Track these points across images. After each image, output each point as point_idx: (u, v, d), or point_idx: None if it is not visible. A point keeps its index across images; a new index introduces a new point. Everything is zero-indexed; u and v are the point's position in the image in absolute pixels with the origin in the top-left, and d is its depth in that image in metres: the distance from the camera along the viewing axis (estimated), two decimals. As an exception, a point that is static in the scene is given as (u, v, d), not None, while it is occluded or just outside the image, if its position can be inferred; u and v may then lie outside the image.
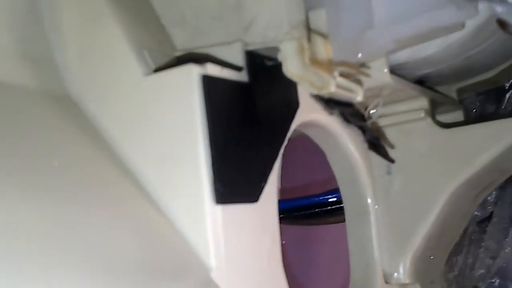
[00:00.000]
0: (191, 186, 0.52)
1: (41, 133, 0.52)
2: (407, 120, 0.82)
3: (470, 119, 0.93)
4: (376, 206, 0.82)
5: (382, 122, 0.83)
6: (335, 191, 0.96)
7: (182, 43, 0.63)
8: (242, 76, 0.58)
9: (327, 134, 0.75)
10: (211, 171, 0.52)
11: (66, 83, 0.59)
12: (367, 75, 0.63)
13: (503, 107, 0.93)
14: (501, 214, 0.91)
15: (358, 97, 0.60)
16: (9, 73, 0.55)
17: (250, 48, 0.59)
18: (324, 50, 0.58)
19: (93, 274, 0.44)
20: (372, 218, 0.82)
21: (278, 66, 0.60)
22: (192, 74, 0.53)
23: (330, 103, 0.64)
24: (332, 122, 0.73)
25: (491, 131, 0.78)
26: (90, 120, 0.58)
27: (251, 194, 0.56)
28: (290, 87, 0.63)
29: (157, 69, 0.57)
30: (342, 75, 0.58)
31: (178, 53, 0.62)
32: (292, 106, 0.64)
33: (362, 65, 0.62)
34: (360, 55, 0.54)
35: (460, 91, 0.94)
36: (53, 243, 0.43)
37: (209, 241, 0.51)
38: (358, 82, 0.60)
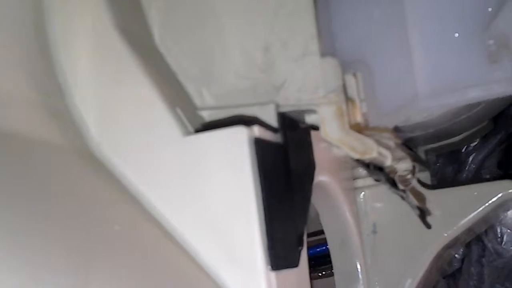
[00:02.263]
0: (245, 252, 0.50)
1: (86, 194, 0.48)
2: (395, 180, 0.84)
3: (438, 182, 0.97)
4: (365, 267, 0.83)
5: (367, 182, 0.85)
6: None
7: (206, 102, 0.61)
8: (277, 138, 0.57)
9: (326, 194, 0.75)
10: (265, 236, 0.50)
11: (88, 140, 0.55)
12: (398, 139, 0.64)
13: (467, 168, 0.98)
14: (469, 271, 0.95)
15: (388, 161, 0.61)
16: (31, 126, 0.51)
17: (282, 109, 0.58)
18: (353, 114, 0.59)
19: None
20: (361, 277, 0.82)
21: (307, 128, 0.60)
22: (243, 136, 0.51)
23: (370, 167, 0.65)
24: (332, 184, 0.74)
25: (473, 193, 0.82)
26: (120, 180, 0.54)
27: (293, 258, 0.55)
28: (310, 149, 0.63)
29: (197, 130, 0.55)
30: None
31: (203, 112, 0.60)
32: (312, 168, 0.64)
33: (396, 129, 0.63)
34: (402, 122, 0.55)
35: (426, 152, 0.99)
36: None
37: (266, 309, 0.49)
38: (386, 146, 0.61)
